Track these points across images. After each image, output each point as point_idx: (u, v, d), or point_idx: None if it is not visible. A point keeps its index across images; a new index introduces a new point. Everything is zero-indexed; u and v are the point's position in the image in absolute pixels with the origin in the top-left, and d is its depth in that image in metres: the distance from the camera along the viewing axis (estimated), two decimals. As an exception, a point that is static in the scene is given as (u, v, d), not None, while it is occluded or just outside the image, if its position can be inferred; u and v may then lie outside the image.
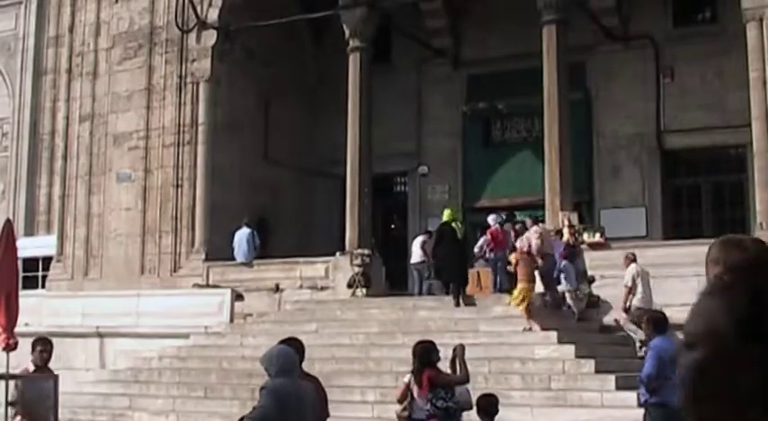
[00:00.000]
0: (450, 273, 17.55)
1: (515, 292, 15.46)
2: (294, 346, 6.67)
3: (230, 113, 22.29)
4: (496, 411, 8.94)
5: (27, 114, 24.10)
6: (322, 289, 19.56)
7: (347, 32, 20.68)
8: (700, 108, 20.86)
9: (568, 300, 16.30)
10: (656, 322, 9.91)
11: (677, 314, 15.83)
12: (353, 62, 20.65)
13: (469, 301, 16.97)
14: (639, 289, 15.70)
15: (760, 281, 1.21)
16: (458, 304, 16.65)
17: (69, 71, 23.68)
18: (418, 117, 24.01)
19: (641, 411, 11.11)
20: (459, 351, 9.95)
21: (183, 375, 16.48)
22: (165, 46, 22.40)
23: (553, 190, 18.19)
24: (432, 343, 9.91)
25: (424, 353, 9.76)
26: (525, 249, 15.91)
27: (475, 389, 11.41)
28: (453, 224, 17.81)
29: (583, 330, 15.86)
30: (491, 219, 18.67)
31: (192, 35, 22.05)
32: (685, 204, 21.46)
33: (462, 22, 23.70)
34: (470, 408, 10.80)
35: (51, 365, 8.96)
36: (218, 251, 20.87)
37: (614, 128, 21.79)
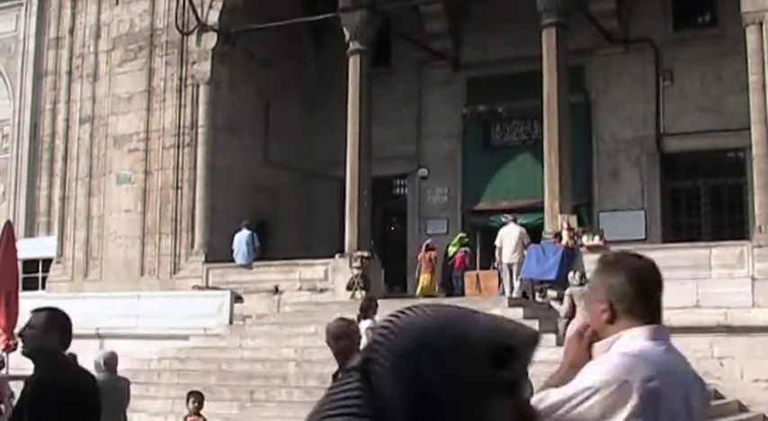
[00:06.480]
0: None
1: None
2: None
3: (230, 115, 22.31)
4: None
5: (27, 116, 24.13)
6: (321, 291, 19.57)
7: (347, 35, 20.71)
8: (699, 111, 20.88)
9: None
10: None
11: (675, 317, 15.92)
12: (353, 65, 20.67)
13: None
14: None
15: None
16: None
17: (69, 73, 23.71)
18: (418, 120, 24.03)
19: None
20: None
21: (182, 377, 16.47)
22: (165, 48, 22.42)
23: (552, 193, 18.20)
24: None
25: None
26: None
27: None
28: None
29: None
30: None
31: (193, 37, 22.08)
32: (684, 207, 21.44)
33: (462, 24, 23.72)
34: None
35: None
36: (218, 253, 20.89)
37: (614, 131, 21.80)
